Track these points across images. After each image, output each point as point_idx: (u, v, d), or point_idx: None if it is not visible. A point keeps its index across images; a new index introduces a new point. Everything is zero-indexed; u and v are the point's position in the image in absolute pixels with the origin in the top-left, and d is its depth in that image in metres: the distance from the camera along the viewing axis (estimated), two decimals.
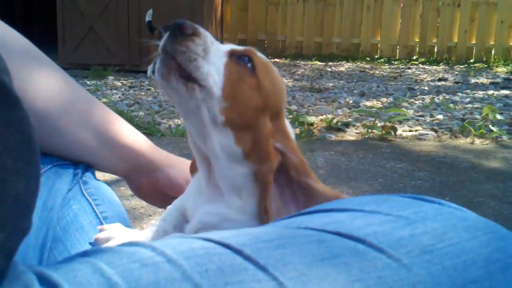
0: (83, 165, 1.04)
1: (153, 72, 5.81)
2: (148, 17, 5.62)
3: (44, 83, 0.97)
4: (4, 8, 7.53)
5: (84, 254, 0.55)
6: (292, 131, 0.88)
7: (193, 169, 0.94)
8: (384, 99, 4.55)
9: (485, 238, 0.60)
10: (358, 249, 0.55)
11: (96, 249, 0.55)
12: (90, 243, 0.91)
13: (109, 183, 2.04)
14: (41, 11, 8.67)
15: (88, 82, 5.30)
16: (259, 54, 0.85)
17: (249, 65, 0.80)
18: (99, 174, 1.07)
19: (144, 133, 3.15)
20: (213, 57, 0.78)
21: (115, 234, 0.89)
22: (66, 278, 0.49)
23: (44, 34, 8.07)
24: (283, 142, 0.82)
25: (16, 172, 0.49)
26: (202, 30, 0.78)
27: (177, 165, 1.13)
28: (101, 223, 0.97)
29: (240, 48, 0.84)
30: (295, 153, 0.82)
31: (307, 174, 0.81)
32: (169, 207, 0.96)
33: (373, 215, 0.61)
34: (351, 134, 3.30)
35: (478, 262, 0.57)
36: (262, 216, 0.78)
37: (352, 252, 0.54)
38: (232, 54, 0.81)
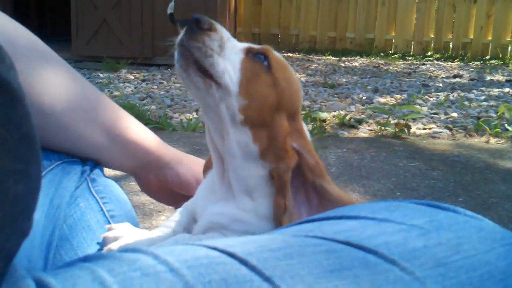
0: (91, 162, 1.02)
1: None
2: (170, 10, 5.64)
3: (51, 78, 0.96)
4: (18, 2, 7.56)
5: (85, 259, 0.53)
6: (307, 131, 0.87)
7: (207, 168, 0.93)
8: (398, 96, 4.51)
9: (503, 250, 0.57)
10: (369, 261, 0.52)
11: (97, 255, 0.53)
12: (98, 243, 0.90)
13: (119, 179, 2.05)
14: (55, 4, 8.70)
15: (101, 75, 5.31)
16: (276, 53, 0.85)
17: (265, 63, 0.80)
18: (108, 169, 1.06)
19: (155, 127, 3.16)
20: (229, 53, 0.78)
21: (124, 233, 0.88)
22: (64, 286, 0.47)
23: (57, 27, 8.11)
24: (299, 142, 0.82)
25: (15, 173, 0.47)
26: (218, 25, 0.78)
27: (186, 162, 1.11)
28: (108, 222, 0.96)
29: (256, 46, 0.83)
30: (311, 154, 0.82)
31: (322, 176, 0.81)
32: (179, 209, 0.94)
33: (385, 223, 0.59)
34: (364, 131, 3.26)
35: (496, 276, 0.54)
36: (280, 216, 0.77)
37: (362, 264, 0.52)
38: (248, 51, 0.81)
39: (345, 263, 0.52)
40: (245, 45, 0.83)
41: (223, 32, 0.78)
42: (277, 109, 0.80)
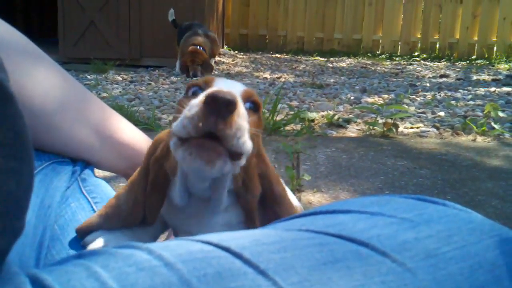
0: (82, 162, 1.02)
1: (186, 73, 5.53)
2: (171, 16, 5.71)
3: (41, 79, 0.96)
4: (4, 2, 7.51)
5: (79, 256, 0.53)
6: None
7: (135, 188, 0.88)
8: (386, 96, 4.54)
9: (491, 241, 0.59)
10: (361, 253, 0.53)
11: (91, 251, 0.53)
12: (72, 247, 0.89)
13: (109, 180, 2.04)
14: (41, 5, 8.64)
15: (88, 77, 5.28)
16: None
17: (256, 108, 0.80)
18: (98, 171, 1.06)
19: (144, 128, 3.15)
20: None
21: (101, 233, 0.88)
22: (59, 282, 0.48)
23: (44, 28, 8.05)
24: (263, 168, 0.83)
25: (8, 170, 0.47)
26: (236, 95, 0.68)
27: None
28: None
29: (240, 88, 0.80)
30: (272, 180, 0.84)
31: (279, 205, 0.84)
32: None
33: (377, 217, 0.60)
34: (352, 131, 3.28)
35: (485, 266, 0.55)
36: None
37: (355, 256, 0.53)
38: (245, 101, 0.78)
39: (337, 255, 0.52)
40: (238, 92, 0.78)
41: (241, 102, 0.71)
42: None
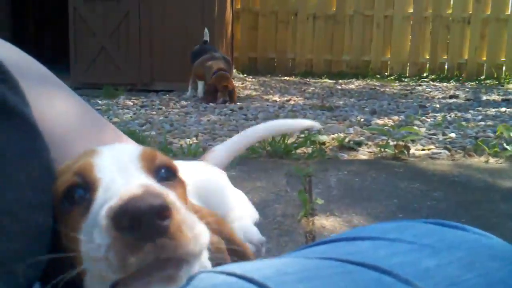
0: None
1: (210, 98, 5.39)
2: (206, 37, 5.79)
3: (61, 108, 0.97)
4: (17, 28, 7.63)
5: None
6: None
7: None
8: (396, 117, 4.53)
9: None
10: (384, 281, 0.53)
11: None
12: None
13: None
14: (53, 31, 8.77)
15: (99, 102, 5.33)
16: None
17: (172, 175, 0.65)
18: None
19: None
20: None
21: None
22: None
23: (56, 54, 8.15)
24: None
25: (37, 204, 0.48)
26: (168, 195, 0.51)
27: None
28: None
29: (135, 152, 0.63)
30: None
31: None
32: None
33: (397, 243, 0.60)
34: (363, 153, 3.28)
35: None
36: None
37: (378, 284, 0.52)
38: (155, 168, 0.60)
39: (361, 284, 0.52)
40: (136, 157, 0.61)
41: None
42: None
